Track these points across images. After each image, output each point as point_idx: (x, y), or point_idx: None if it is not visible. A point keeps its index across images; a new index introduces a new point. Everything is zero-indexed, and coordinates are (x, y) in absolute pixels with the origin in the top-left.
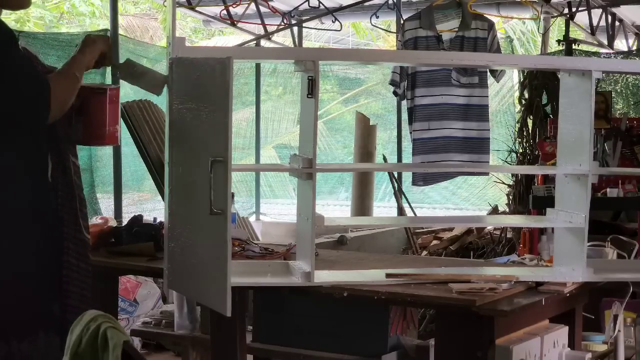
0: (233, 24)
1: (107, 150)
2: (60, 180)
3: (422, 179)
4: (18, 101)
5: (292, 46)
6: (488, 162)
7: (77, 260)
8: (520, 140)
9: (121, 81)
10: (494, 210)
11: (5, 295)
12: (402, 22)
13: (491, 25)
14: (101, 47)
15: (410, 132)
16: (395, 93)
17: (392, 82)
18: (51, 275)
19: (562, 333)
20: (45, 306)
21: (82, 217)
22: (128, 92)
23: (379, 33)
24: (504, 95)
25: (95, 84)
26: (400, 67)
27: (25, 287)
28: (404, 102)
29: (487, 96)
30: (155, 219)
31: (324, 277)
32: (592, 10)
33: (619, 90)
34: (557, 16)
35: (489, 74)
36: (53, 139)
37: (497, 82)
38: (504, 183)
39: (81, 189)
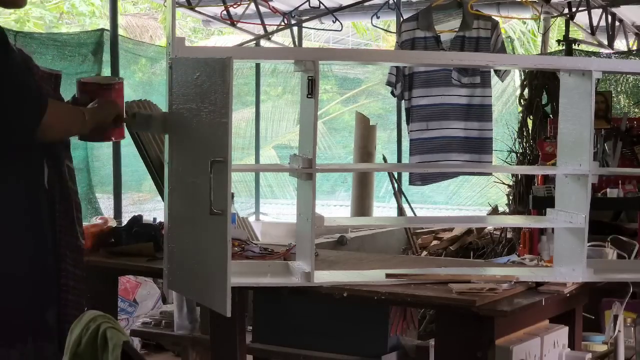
0: (233, 24)
1: (106, 150)
2: (57, 186)
3: (420, 178)
4: (5, 107)
5: (292, 46)
6: (490, 162)
7: (73, 267)
8: (520, 140)
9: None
10: (494, 211)
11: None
12: (399, 23)
13: (495, 25)
14: (116, 109)
15: (408, 133)
16: (392, 93)
17: (388, 83)
18: (48, 283)
19: (562, 333)
20: (41, 314)
21: (78, 222)
22: (128, 92)
23: (378, 33)
24: (509, 96)
25: (100, 78)
26: (396, 67)
27: (21, 295)
28: (403, 102)
29: (490, 96)
30: (155, 219)
31: (324, 277)
32: (592, 10)
33: (619, 90)
34: (557, 16)
35: (492, 73)
36: (48, 143)
37: (502, 82)
38: (504, 183)
39: (76, 194)
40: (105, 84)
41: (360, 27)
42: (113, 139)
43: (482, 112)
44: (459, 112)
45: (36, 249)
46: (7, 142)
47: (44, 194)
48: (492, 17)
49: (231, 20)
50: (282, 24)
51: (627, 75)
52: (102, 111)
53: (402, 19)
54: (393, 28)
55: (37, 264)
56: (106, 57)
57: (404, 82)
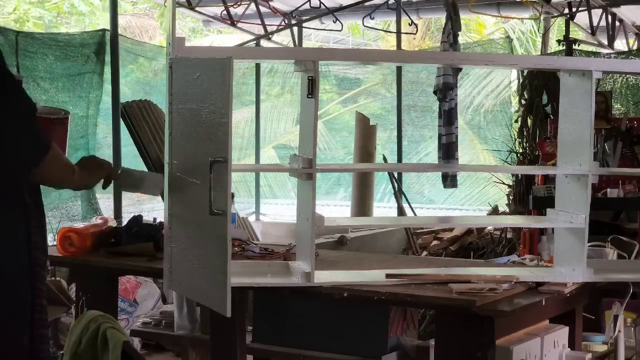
0: (233, 24)
1: (106, 151)
2: (34, 200)
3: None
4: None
5: (292, 46)
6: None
7: (42, 284)
8: (520, 140)
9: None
10: (494, 211)
11: None
12: (445, 22)
13: None
14: (106, 172)
15: (448, 134)
16: (442, 98)
17: (448, 85)
18: (24, 304)
19: (562, 333)
20: (18, 336)
21: (45, 236)
22: (127, 92)
23: (378, 33)
24: (502, 95)
25: (50, 110)
26: (451, 68)
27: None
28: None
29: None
30: (155, 219)
31: (324, 277)
32: (592, 11)
33: (618, 90)
34: (557, 16)
35: None
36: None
37: None
38: (504, 183)
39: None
40: (55, 118)
41: (356, 28)
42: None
43: (456, 114)
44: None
45: (13, 268)
46: (3, 175)
47: (26, 209)
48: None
49: (231, 20)
50: (282, 24)
51: (627, 75)
52: (92, 176)
53: (401, 18)
54: (393, 28)
55: (14, 284)
56: (107, 57)
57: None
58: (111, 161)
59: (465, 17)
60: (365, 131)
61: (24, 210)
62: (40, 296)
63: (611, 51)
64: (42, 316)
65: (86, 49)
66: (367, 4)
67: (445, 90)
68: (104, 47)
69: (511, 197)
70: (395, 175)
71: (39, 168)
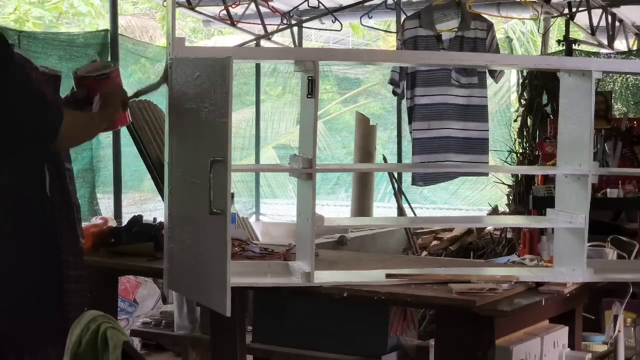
0: (233, 24)
1: (107, 151)
2: (58, 191)
3: (422, 179)
4: (18, 124)
5: (292, 46)
6: (487, 162)
7: (75, 270)
8: (520, 140)
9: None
10: (494, 211)
11: (13, 312)
12: (402, 21)
13: (490, 26)
14: (121, 96)
15: (410, 132)
16: (394, 92)
17: (392, 82)
18: (54, 290)
19: (562, 333)
20: (52, 321)
21: (78, 223)
22: (129, 93)
23: (378, 33)
24: (502, 96)
25: (94, 68)
26: (400, 66)
27: (31, 304)
28: (404, 102)
29: (486, 96)
30: (155, 219)
31: (324, 277)
32: (592, 11)
33: (618, 90)
34: (557, 16)
35: (487, 74)
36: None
37: (496, 83)
38: (504, 183)
39: (75, 194)
40: (98, 75)
41: (357, 28)
42: (119, 126)
43: (479, 113)
44: (458, 112)
45: (40, 259)
46: (24, 154)
47: (46, 202)
48: (487, 18)
49: (231, 20)
50: (282, 24)
51: (627, 75)
52: (108, 108)
53: (404, 17)
54: (393, 28)
55: (43, 274)
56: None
57: (406, 80)
58: (111, 161)
59: None
60: (365, 131)
61: (47, 203)
62: (68, 282)
63: (611, 51)
64: (70, 300)
65: (90, 49)
66: (366, 4)
67: (393, 86)
68: (107, 48)
69: (511, 197)
70: (395, 175)
71: (59, 137)
